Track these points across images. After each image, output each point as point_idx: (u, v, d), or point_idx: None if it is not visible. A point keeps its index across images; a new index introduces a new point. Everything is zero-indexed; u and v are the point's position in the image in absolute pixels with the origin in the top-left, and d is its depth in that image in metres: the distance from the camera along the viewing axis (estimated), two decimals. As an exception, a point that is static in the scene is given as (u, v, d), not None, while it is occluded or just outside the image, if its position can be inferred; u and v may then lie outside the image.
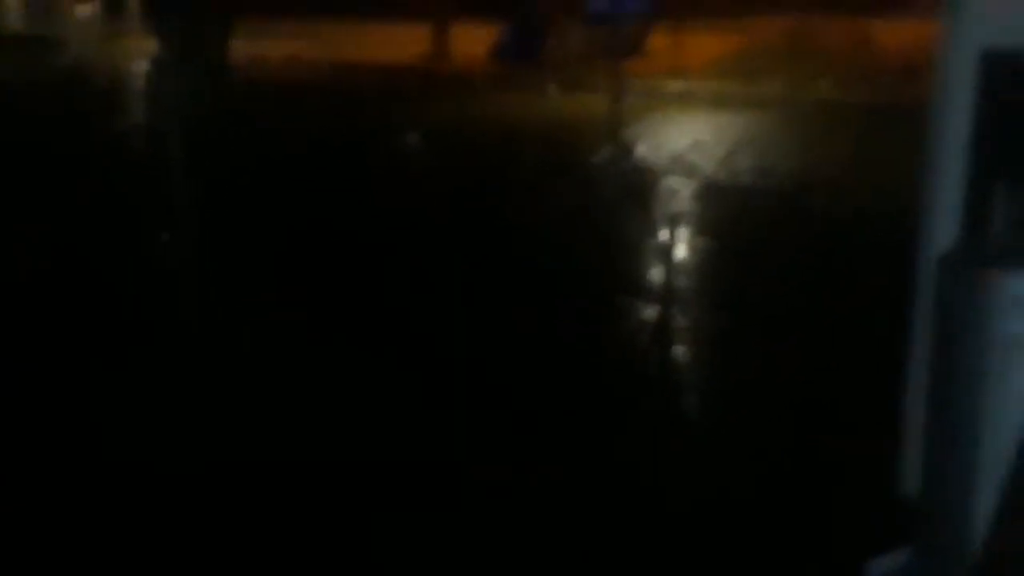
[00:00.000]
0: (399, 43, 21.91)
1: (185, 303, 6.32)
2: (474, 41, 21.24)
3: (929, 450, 1.69)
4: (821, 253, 7.40)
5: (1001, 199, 1.57)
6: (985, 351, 1.52)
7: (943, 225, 1.61)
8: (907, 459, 1.75)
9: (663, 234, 7.97)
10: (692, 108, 16.04)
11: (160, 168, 8.95)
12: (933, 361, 1.63)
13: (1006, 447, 1.54)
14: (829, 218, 8.64)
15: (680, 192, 9.96)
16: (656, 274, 7.13)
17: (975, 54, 1.50)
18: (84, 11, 23.61)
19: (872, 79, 17.83)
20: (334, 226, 8.47)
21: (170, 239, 7.77)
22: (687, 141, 12.92)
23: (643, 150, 12.28)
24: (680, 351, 5.78)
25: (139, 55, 18.40)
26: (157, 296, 6.44)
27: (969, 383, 1.54)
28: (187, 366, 5.30)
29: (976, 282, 1.52)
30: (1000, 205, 1.57)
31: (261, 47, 20.68)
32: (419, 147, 12.14)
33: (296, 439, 4.52)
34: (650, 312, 6.31)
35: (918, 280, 1.68)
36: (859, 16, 19.72)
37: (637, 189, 9.93)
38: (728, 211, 9.19)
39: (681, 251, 7.64)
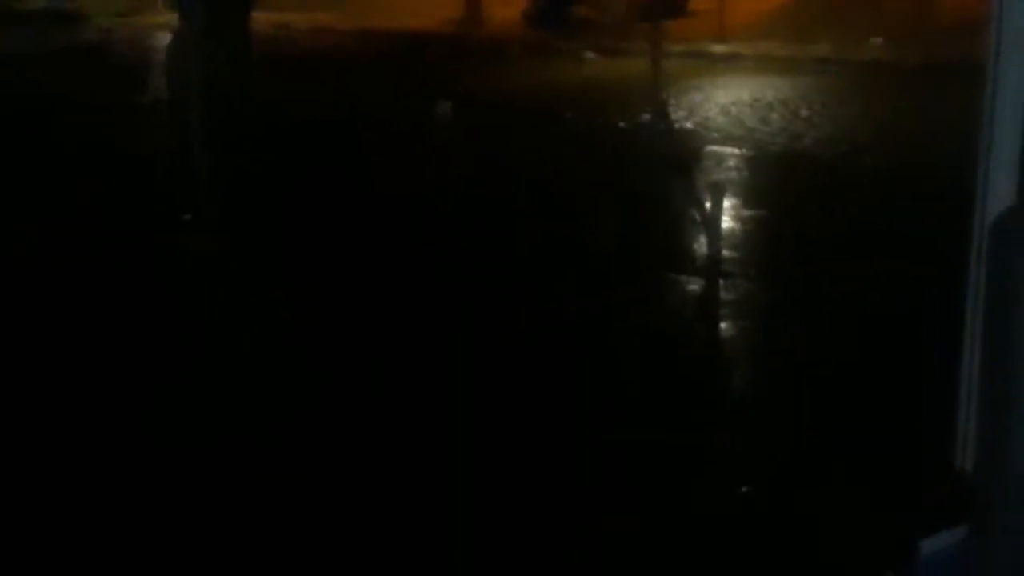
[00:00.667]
0: (428, 10, 21.87)
1: (201, 290, 6.37)
2: (508, 5, 21.16)
3: (986, 423, 1.68)
4: (873, 223, 7.34)
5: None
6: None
7: (1000, 188, 1.60)
8: (963, 432, 1.74)
9: (709, 203, 7.92)
10: (738, 72, 15.90)
11: (181, 145, 9.01)
12: (989, 330, 1.62)
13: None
14: (882, 186, 8.56)
15: (726, 160, 9.91)
16: (703, 246, 7.10)
17: None
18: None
19: (928, 37, 17.58)
20: (367, 203, 8.50)
21: (192, 219, 7.83)
22: (732, 107, 12.83)
23: (686, 116, 12.21)
24: (730, 328, 5.78)
25: (161, 29, 18.52)
26: (171, 280, 6.49)
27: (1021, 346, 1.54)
28: (188, 357, 5.33)
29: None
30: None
31: (285, 17, 20.73)
32: (450, 117, 12.13)
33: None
34: (696, 287, 6.30)
35: (973, 246, 1.67)
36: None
37: (681, 157, 9.88)
38: (776, 179, 9.14)
39: (730, 222, 7.60)
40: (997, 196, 1.58)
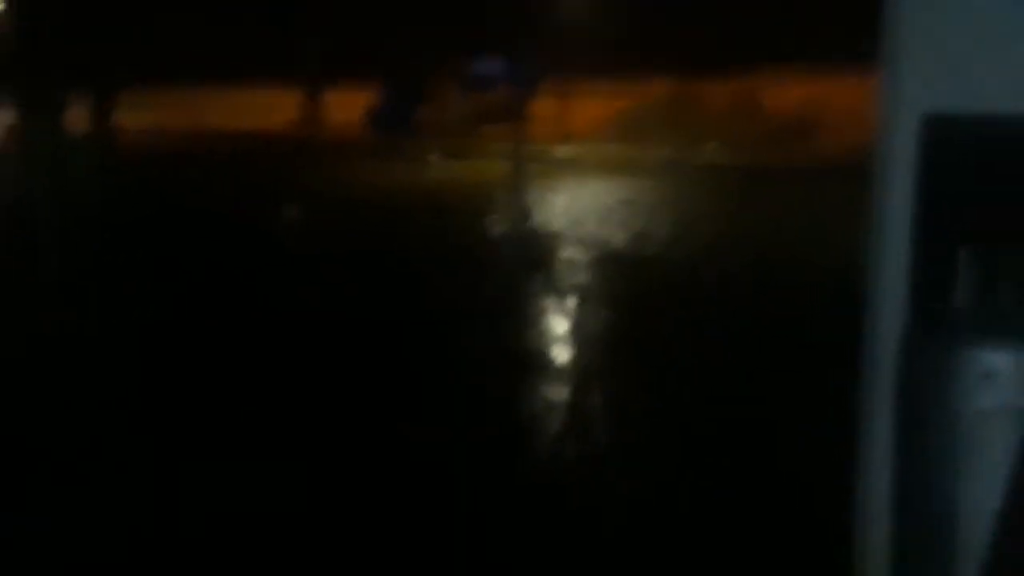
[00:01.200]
0: (266, 111, 21.80)
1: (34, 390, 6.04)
2: (348, 106, 21.27)
3: (896, 540, 1.71)
4: (724, 323, 7.52)
5: (956, 268, 1.61)
6: (955, 429, 1.55)
7: (892, 299, 1.64)
8: (868, 554, 1.75)
9: (554, 304, 8.02)
10: (578, 174, 16.31)
11: (25, 241, 8.70)
12: (895, 443, 1.65)
13: (982, 530, 1.56)
14: (729, 286, 8.83)
15: (570, 260, 10.08)
16: (550, 348, 7.16)
17: (918, 118, 1.54)
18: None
19: (757, 141, 18.48)
20: (211, 309, 8.27)
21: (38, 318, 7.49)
22: (572, 208, 13.13)
23: (529, 217, 12.42)
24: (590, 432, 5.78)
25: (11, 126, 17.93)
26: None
27: (939, 464, 1.57)
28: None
29: (942, 358, 1.55)
30: (956, 274, 1.61)
31: (122, 117, 20.33)
32: (298, 219, 12.04)
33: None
34: (548, 392, 6.31)
35: (870, 356, 1.71)
36: (744, 76, 20.45)
37: (525, 258, 10.01)
38: (620, 281, 9.29)
39: (575, 321, 7.66)
40: (890, 305, 1.62)
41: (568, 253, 10.47)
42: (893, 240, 1.64)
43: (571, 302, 8.23)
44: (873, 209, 1.66)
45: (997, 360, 1.50)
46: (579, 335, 7.31)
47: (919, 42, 1.50)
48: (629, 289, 9.06)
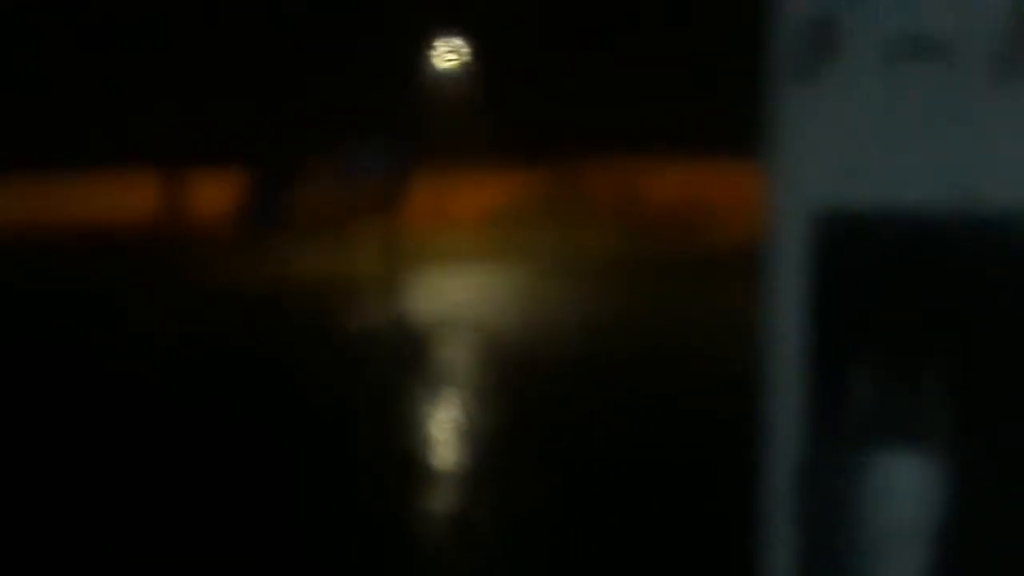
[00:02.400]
0: (120, 201, 21.23)
1: None
2: (207, 199, 20.92)
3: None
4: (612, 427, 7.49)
5: (852, 380, 1.58)
6: (856, 549, 1.51)
7: (787, 415, 1.60)
8: None
9: (441, 404, 7.93)
10: (456, 264, 16.32)
11: None
12: (798, 560, 1.61)
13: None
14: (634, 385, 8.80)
15: (447, 356, 10.01)
16: (431, 446, 7.07)
17: (807, 216, 1.52)
18: None
19: (641, 230, 18.82)
20: (73, 419, 7.94)
21: None
22: (450, 301, 13.11)
23: (404, 311, 12.34)
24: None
25: None
26: None
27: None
28: None
29: (841, 481, 1.52)
30: (853, 387, 1.58)
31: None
32: (163, 317, 11.72)
33: None
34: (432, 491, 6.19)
35: (765, 478, 1.66)
36: (626, 163, 20.85)
37: (409, 355, 9.91)
38: (511, 376, 9.24)
39: (453, 423, 7.55)
40: (786, 422, 1.57)
41: (448, 347, 10.41)
42: (786, 345, 1.60)
43: (450, 397, 8.15)
44: (762, 312, 1.62)
45: (898, 469, 1.47)
46: (460, 433, 7.22)
47: (803, 137, 1.49)
48: (508, 384, 9.03)
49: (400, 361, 9.70)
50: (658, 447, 6.65)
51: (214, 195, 20.69)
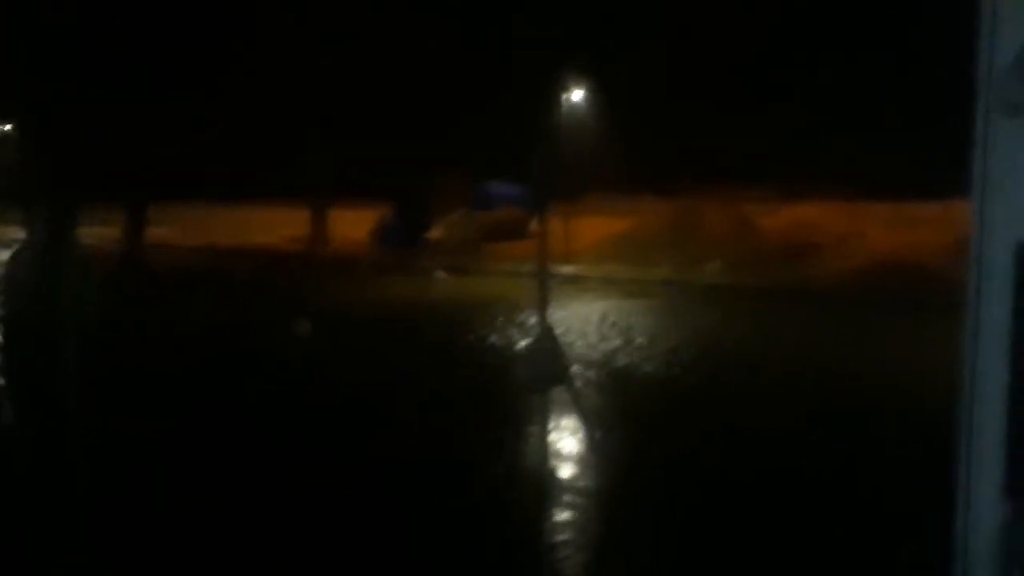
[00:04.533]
0: (273, 227, 21.99)
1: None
2: (353, 224, 21.48)
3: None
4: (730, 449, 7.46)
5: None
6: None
7: (989, 455, 1.54)
8: None
9: (565, 422, 7.93)
10: (583, 292, 16.41)
11: (25, 361, 8.58)
12: None
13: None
14: (743, 411, 8.78)
15: (578, 377, 10.03)
16: (562, 467, 7.08)
17: (1013, 248, 1.49)
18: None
19: (756, 262, 18.65)
20: (233, 426, 8.22)
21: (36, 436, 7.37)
22: (580, 326, 13.17)
23: (537, 333, 12.41)
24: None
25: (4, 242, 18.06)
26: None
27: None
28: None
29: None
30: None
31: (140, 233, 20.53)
32: (311, 335, 12.04)
33: None
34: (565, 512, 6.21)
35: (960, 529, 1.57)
36: (739, 200, 20.75)
37: (535, 373, 9.94)
38: (627, 401, 9.23)
39: (584, 443, 7.53)
40: (988, 462, 1.47)
41: (579, 368, 10.46)
42: (991, 378, 1.51)
43: (578, 419, 8.16)
44: (967, 341, 1.55)
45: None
46: (593, 451, 7.22)
47: (1009, 172, 1.48)
48: (635, 409, 9.03)
49: (536, 379, 9.75)
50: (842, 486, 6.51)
51: (353, 223, 21.24)
